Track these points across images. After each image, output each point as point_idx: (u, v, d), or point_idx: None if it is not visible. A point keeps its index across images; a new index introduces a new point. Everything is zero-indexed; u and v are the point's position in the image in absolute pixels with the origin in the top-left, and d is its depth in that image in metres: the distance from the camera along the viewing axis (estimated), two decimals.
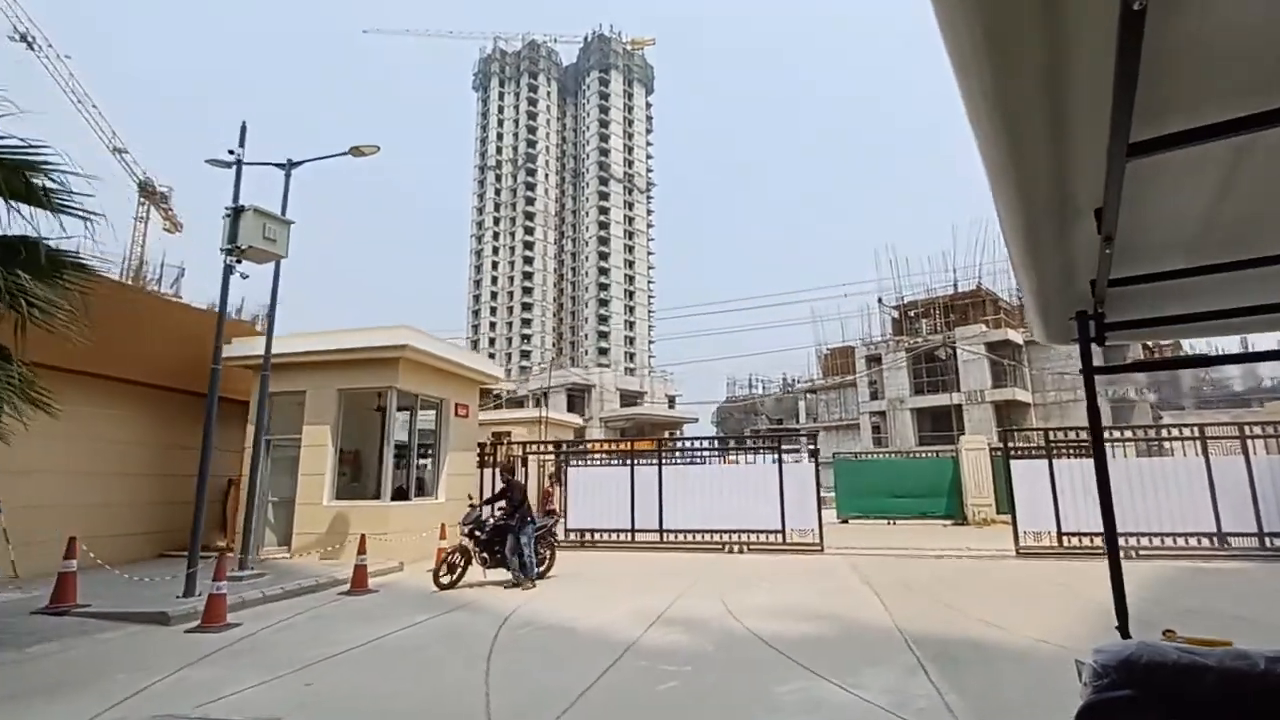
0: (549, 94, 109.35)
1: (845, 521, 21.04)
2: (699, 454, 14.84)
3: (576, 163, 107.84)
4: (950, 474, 20.25)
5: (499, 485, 14.77)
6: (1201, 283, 1.99)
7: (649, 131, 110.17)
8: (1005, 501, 12.66)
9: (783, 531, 13.21)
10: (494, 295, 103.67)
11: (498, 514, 10.20)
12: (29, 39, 57.95)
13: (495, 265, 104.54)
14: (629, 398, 62.22)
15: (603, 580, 10.53)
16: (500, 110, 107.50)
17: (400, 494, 13.28)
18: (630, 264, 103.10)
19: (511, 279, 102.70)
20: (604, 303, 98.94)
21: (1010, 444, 13.27)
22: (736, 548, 13.29)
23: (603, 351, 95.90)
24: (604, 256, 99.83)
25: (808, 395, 62.02)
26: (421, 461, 13.57)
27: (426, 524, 12.90)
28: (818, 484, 13.16)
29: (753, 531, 13.35)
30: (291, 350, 12.65)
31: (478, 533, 9.83)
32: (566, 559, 12.46)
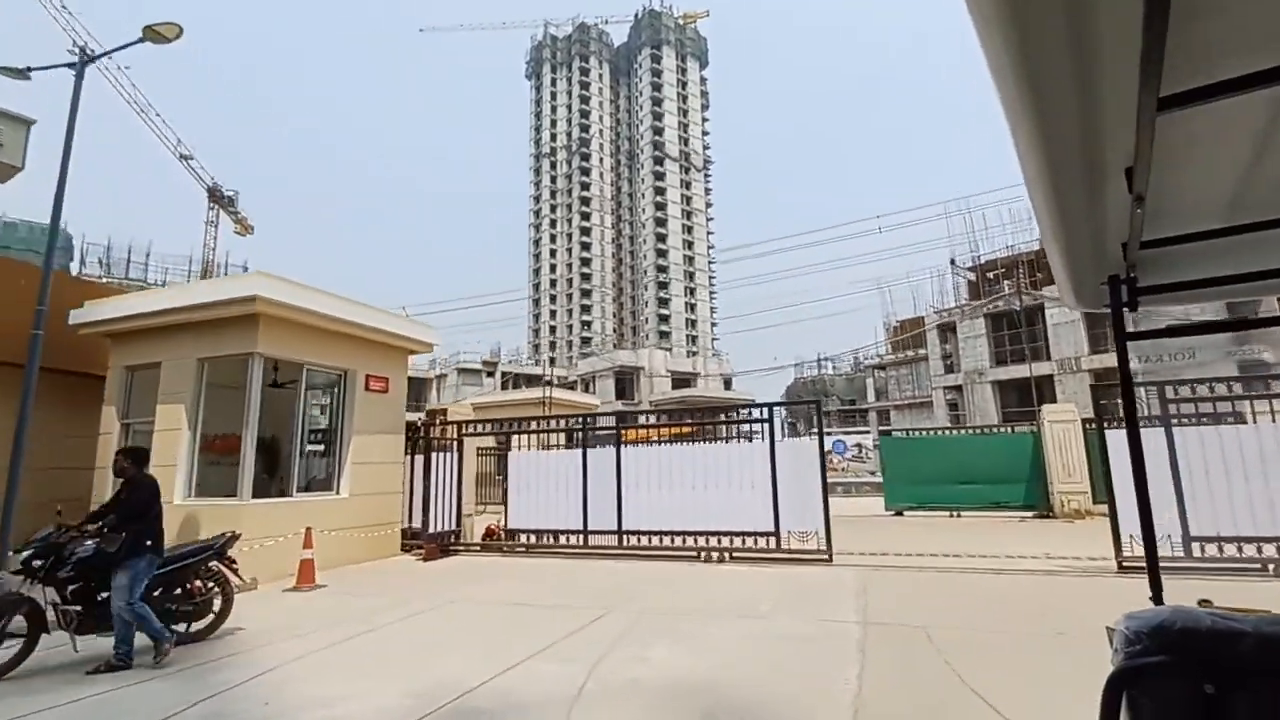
0: (601, 76, 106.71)
1: (898, 514, 17.08)
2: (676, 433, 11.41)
3: (631, 144, 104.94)
4: (1030, 453, 15.93)
5: (447, 474, 11.98)
6: (1238, 243, 1.91)
7: (705, 107, 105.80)
8: (1105, 487, 8.66)
9: (776, 534, 9.67)
10: (553, 283, 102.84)
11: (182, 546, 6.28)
12: (88, 53, 60.07)
13: (554, 253, 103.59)
14: (681, 380, 58.67)
15: (457, 610, 7.41)
16: (553, 97, 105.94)
17: (321, 487, 10.65)
18: (689, 244, 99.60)
19: (570, 265, 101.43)
20: (663, 285, 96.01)
21: (1105, 407, 9.22)
22: (715, 555, 9.87)
23: (663, 335, 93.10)
24: (661, 238, 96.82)
25: (875, 372, 56.67)
26: (312, 448, 10.82)
27: (321, 526, 10.17)
28: (823, 469, 9.52)
29: (738, 534, 9.88)
30: (139, 310, 10.15)
31: (60, 571, 5.43)
32: (483, 568, 9.47)
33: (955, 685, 4.47)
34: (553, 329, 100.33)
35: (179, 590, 6.05)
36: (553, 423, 11.81)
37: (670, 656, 5.26)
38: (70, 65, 8.53)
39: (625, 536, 10.51)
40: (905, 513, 17.06)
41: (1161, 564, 7.87)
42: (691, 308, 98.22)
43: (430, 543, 11.22)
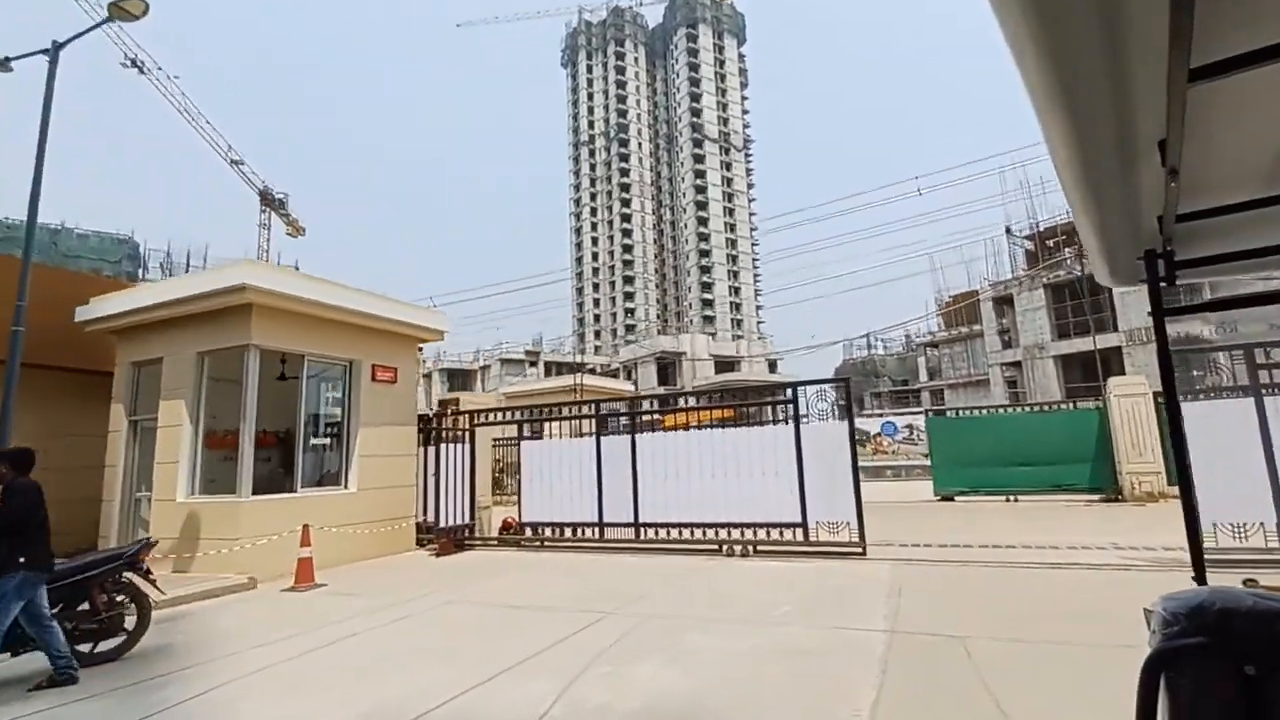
0: (636, 60, 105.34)
1: (947, 499, 15.93)
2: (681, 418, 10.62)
3: (670, 127, 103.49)
4: (1095, 431, 14.56)
5: (458, 466, 11.53)
6: (1277, 213, 1.85)
7: (743, 85, 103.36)
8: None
9: (804, 525, 8.83)
10: (595, 271, 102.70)
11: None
12: (139, 64, 62.09)
13: (595, 240, 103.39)
14: (724, 364, 57.55)
15: (450, 614, 6.85)
16: (589, 84, 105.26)
17: (330, 482, 10.36)
18: (731, 226, 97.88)
19: (612, 253, 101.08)
20: (705, 269, 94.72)
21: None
22: (739, 548, 9.11)
23: (708, 319, 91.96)
24: (703, 221, 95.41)
25: (928, 351, 54.37)
26: (317, 441, 10.45)
27: (327, 522, 9.85)
28: (853, 454, 8.61)
29: (761, 526, 9.09)
30: (139, 304, 9.94)
31: None
32: (495, 563, 8.94)
33: (993, 717, 3.64)
34: (596, 317, 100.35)
35: (81, 607, 5.44)
36: (565, 410, 11.21)
37: (656, 675, 4.56)
38: (45, 52, 8.25)
39: (643, 530, 9.84)
40: (956, 498, 15.90)
41: (1254, 556, 6.59)
42: (735, 290, 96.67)
43: (443, 537, 10.79)
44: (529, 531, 10.84)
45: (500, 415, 11.42)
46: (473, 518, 11.28)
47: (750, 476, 9.20)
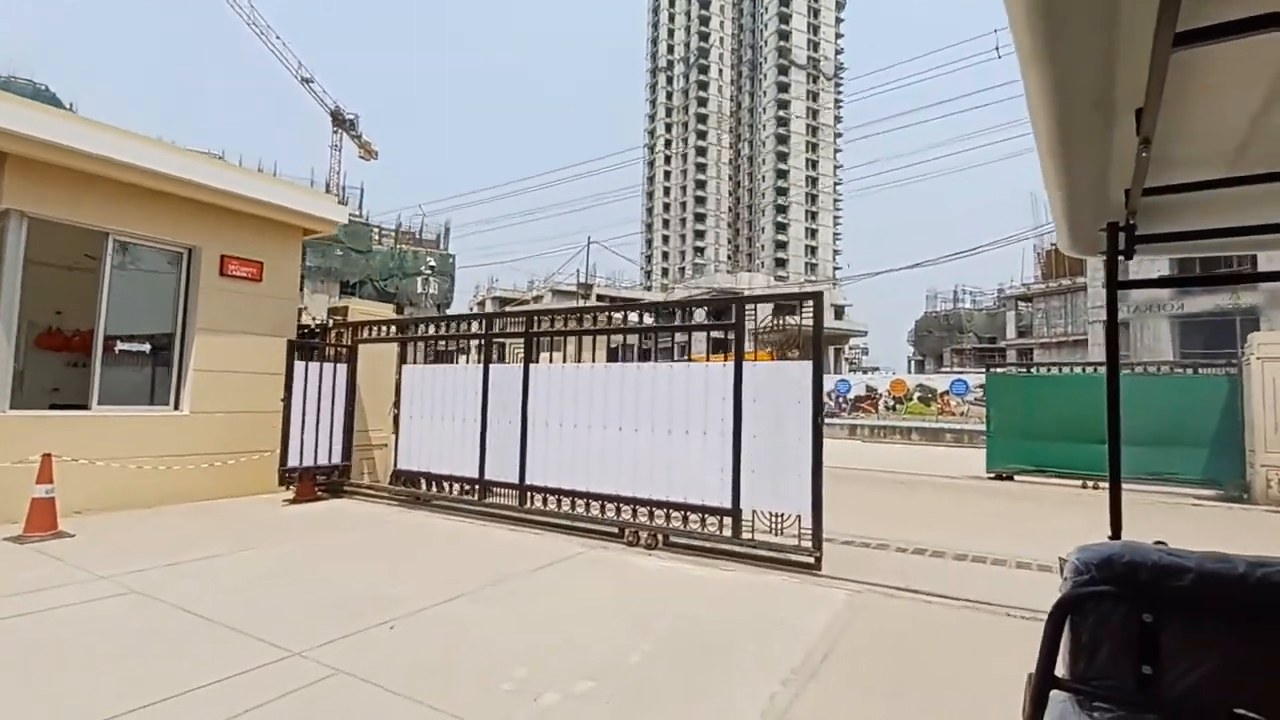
0: None
1: (1004, 478, 12.44)
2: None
3: (754, 53, 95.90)
4: (1222, 405, 10.62)
5: (333, 392, 9.04)
6: (1240, 195, 1.90)
7: (839, 6, 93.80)
8: None
9: (734, 514, 5.82)
10: (666, 207, 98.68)
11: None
12: None
13: (668, 175, 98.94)
14: (786, 306, 53.15)
15: (123, 611, 4.32)
16: (671, 4, 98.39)
17: (159, 401, 8.15)
18: (812, 164, 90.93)
19: (684, 189, 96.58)
20: (781, 209, 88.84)
21: None
22: (644, 536, 6.24)
23: (780, 263, 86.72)
24: (782, 157, 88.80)
25: (1019, 305, 48.25)
26: (133, 348, 8.11)
27: (144, 451, 7.66)
28: (816, 411, 5.44)
29: (678, 508, 6.15)
30: None
31: None
32: (335, 523, 6.38)
33: None
34: (665, 255, 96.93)
35: None
36: (464, 326, 8.36)
37: None
38: None
39: (530, 496, 7.08)
40: (1015, 477, 12.35)
41: None
42: (812, 233, 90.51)
43: (304, 480, 8.45)
44: (415, 483, 8.31)
45: (382, 330, 8.75)
46: (347, 458, 8.86)
47: (671, 435, 6.22)
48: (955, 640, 4.16)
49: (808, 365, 5.61)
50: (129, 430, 7.65)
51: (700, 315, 5.35)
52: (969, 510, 9.23)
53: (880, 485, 11.77)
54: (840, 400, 34.75)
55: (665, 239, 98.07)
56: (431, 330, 8.34)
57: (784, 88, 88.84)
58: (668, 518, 6.23)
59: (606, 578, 5.37)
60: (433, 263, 36.80)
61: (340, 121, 75.98)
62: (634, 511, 6.42)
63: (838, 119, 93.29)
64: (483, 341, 7.70)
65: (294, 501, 8.28)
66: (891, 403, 33.55)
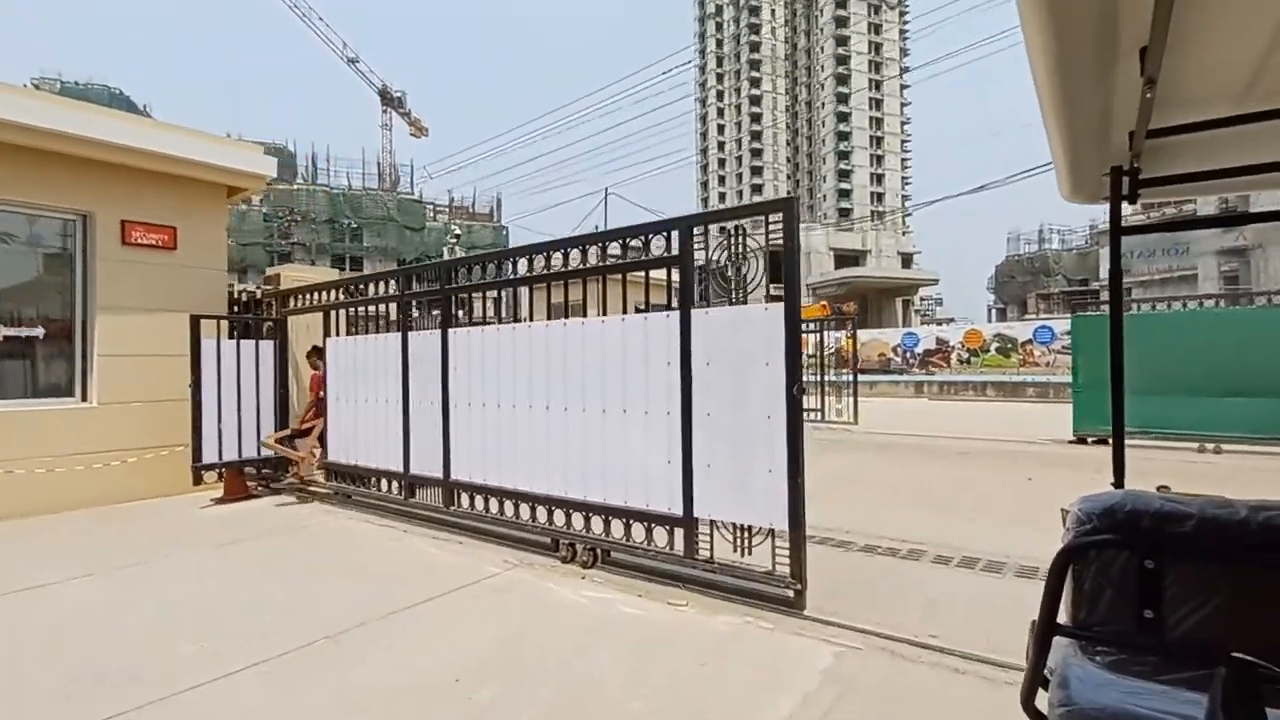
0: None
1: (1086, 442, 10.18)
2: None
3: None
4: None
5: (264, 372, 7.75)
6: (1244, 134, 1.82)
7: None
8: None
9: (686, 525, 4.16)
10: (721, 163, 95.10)
11: None
12: None
13: (721, 129, 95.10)
14: (846, 258, 49.74)
15: None
16: None
17: (64, 394, 7.15)
18: (876, 102, 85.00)
19: (739, 141, 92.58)
20: (844, 154, 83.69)
21: None
22: (583, 550, 4.68)
23: (843, 213, 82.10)
24: (843, 98, 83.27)
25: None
26: (22, 333, 7.03)
27: (43, 450, 6.66)
28: (792, 372, 3.68)
29: (618, 513, 4.52)
30: None
31: None
32: (247, 528, 5.10)
33: None
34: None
35: None
36: (383, 288, 6.83)
37: None
38: None
39: (456, 494, 5.61)
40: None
41: None
42: (878, 178, 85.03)
43: (232, 476, 7.31)
44: (336, 478, 6.99)
45: (308, 299, 7.35)
46: (284, 445, 7.62)
47: (605, 415, 4.57)
48: None
49: (778, 310, 3.81)
50: (22, 427, 6.64)
51: (660, 249, 3.97)
52: (1045, 490, 7.20)
53: (936, 456, 9.76)
54: (908, 356, 31.98)
55: (722, 196, 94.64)
56: (342, 296, 6.87)
57: (842, 21, 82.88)
58: (607, 526, 4.62)
59: (506, 616, 3.84)
60: (458, 232, 35.83)
61: (388, 99, 76.12)
62: (568, 517, 4.83)
63: (904, 51, 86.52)
64: (401, 304, 6.18)
65: (221, 500, 7.14)
66: (966, 356, 30.56)
